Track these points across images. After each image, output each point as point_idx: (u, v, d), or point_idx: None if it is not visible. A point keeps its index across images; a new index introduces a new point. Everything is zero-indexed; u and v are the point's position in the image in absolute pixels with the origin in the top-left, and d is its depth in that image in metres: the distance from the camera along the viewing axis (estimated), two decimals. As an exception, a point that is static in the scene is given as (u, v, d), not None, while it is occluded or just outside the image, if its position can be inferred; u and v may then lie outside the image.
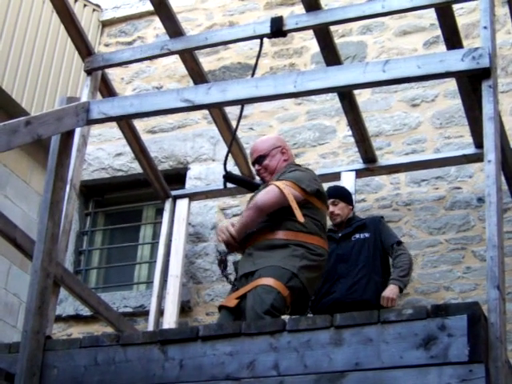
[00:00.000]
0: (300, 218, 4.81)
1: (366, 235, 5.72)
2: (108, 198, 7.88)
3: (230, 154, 6.81)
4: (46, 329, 4.48)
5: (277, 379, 3.81)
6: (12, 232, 5.04)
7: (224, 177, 5.42)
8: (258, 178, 5.61)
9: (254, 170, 5.32)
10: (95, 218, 7.87)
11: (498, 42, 5.73)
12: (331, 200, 5.80)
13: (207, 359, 3.98)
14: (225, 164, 5.45)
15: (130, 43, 8.12)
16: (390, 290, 5.50)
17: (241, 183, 5.63)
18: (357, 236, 5.74)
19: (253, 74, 5.69)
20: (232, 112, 6.94)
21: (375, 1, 5.41)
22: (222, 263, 4.99)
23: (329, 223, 5.98)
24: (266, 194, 4.84)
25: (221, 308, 4.84)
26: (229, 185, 5.53)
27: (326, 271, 5.56)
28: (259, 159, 5.11)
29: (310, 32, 6.49)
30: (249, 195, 5.37)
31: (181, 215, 6.95)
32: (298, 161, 6.80)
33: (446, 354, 3.56)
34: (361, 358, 3.71)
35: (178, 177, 7.48)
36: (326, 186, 5.86)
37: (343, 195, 5.93)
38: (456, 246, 6.33)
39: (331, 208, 5.80)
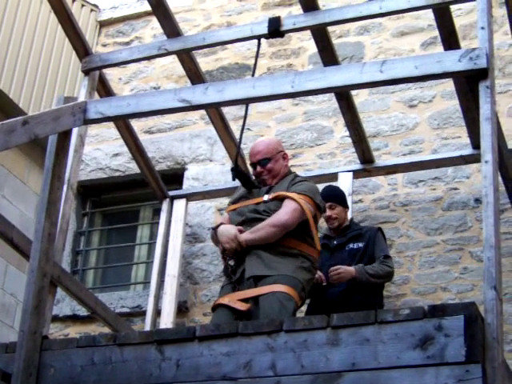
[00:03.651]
0: (318, 246, 4.91)
1: (360, 245, 5.62)
2: (105, 199, 7.88)
3: (228, 155, 6.84)
4: (42, 328, 4.48)
5: (273, 379, 3.81)
6: (9, 232, 5.03)
7: (232, 169, 5.29)
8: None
9: (252, 170, 5.26)
10: (92, 218, 7.86)
11: (496, 42, 5.73)
12: (328, 204, 5.66)
13: (204, 359, 3.97)
14: (236, 159, 5.40)
15: (127, 43, 8.11)
16: (346, 267, 5.43)
17: (245, 180, 5.52)
18: (351, 246, 5.65)
19: (253, 74, 5.62)
20: (230, 112, 6.94)
21: (373, 1, 5.40)
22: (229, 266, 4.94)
23: (324, 226, 6.00)
24: (291, 213, 4.82)
25: (217, 306, 4.79)
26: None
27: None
28: (263, 161, 5.09)
29: (308, 33, 6.49)
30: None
31: (178, 215, 6.95)
32: (295, 161, 6.84)
33: (442, 354, 3.56)
34: (357, 358, 3.71)
35: (175, 177, 7.47)
36: (322, 186, 5.88)
37: (341, 199, 5.82)
38: (453, 246, 6.33)
39: (328, 212, 5.69)
